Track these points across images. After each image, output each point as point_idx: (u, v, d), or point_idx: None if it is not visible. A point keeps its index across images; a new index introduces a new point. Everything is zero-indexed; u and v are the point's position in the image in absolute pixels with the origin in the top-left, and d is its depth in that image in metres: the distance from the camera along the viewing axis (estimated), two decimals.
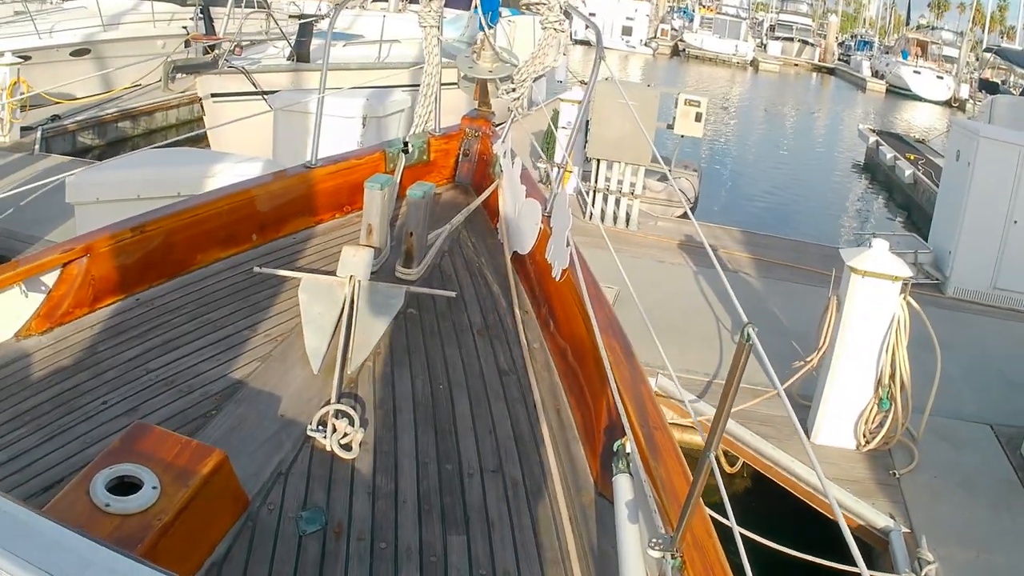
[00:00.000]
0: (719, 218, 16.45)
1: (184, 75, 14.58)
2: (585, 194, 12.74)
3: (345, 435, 3.59)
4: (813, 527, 6.28)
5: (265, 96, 13.56)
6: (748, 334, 2.25)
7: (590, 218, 12.36)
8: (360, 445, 3.59)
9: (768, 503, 7.37)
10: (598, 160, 12.48)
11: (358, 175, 5.55)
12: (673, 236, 12.45)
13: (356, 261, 4.40)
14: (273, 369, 4.01)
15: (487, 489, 3.50)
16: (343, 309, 4.29)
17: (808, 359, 7.48)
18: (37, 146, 14.26)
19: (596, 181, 12.55)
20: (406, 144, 5.89)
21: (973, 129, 11.53)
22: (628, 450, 3.27)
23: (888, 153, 22.59)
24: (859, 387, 7.04)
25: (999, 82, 36.62)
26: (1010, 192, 10.94)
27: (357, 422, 3.64)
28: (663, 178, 13.33)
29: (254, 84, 13.86)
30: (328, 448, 3.56)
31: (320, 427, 3.62)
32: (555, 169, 5.04)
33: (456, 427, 3.80)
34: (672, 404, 7.90)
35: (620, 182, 12.52)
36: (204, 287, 4.64)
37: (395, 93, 12.68)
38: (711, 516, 3.06)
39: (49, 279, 4.24)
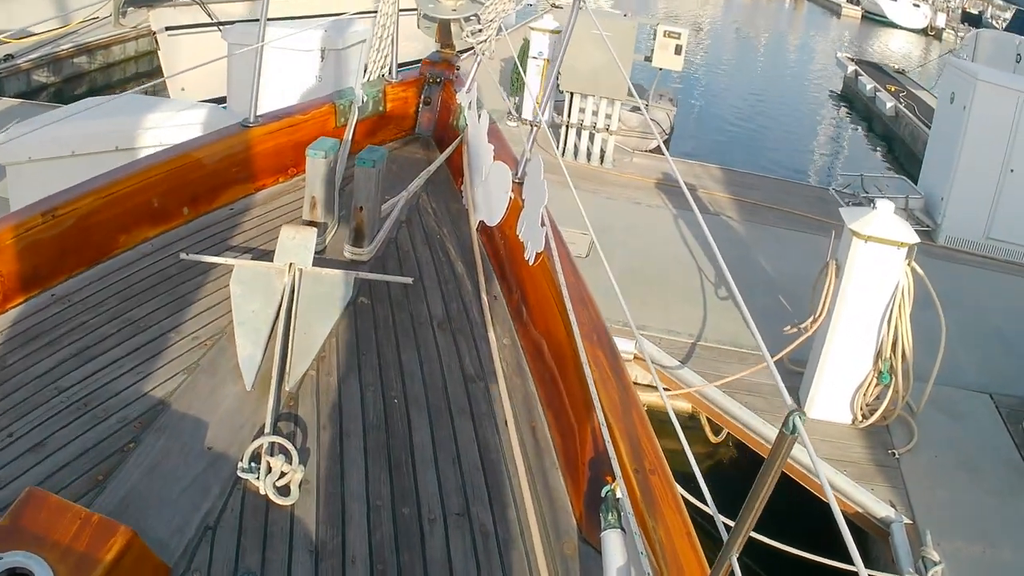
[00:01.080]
0: (695, 151, 15.83)
1: (135, 8, 13.57)
2: (557, 128, 12.03)
3: (282, 475, 2.94)
4: (805, 512, 5.75)
5: (221, 28, 12.64)
6: (793, 424, 1.74)
7: (562, 155, 11.71)
8: (300, 487, 2.96)
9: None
10: (571, 93, 11.73)
11: (304, 132, 4.85)
12: (650, 174, 11.79)
13: (296, 244, 3.73)
14: (200, 384, 3.35)
15: (451, 540, 2.88)
16: (281, 304, 3.64)
17: (801, 324, 6.88)
18: None
19: (569, 116, 11.80)
20: (361, 97, 5.18)
21: (971, 72, 10.86)
22: (619, 496, 2.68)
23: (868, 84, 21.90)
24: (857, 358, 6.47)
25: (978, 13, 35.87)
26: (1007, 139, 10.35)
27: (295, 458, 2.99)
28: (636, 108, 12.66)
29: (209, 15, 12.91)
30: (262, 491, 2.92)
31: (253, 464, 2.97)
32: (528, 127, 4.35)
33: (414, 457, 3.16)
34: (657, 369, 7.38)
35: (595, 116, 11.80)
36: (128, 276, 3.97)
37: (355, 23, 11.77)
38: (685, 497, 2.75)
39: None
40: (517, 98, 13.54)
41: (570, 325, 3.29)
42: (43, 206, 3.83)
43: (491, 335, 3.79)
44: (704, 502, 2.47)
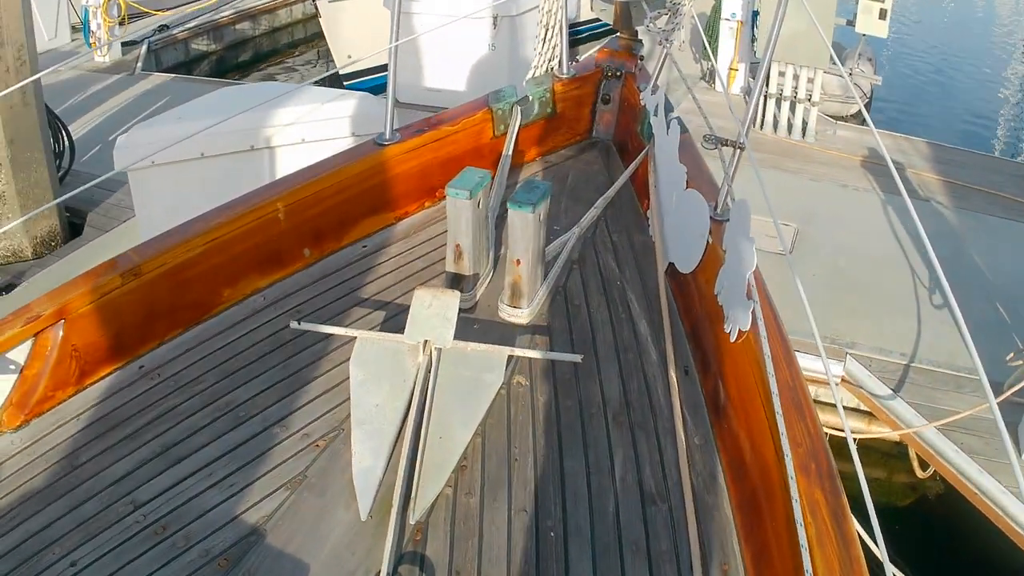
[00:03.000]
0: (897, 117, 14.41)
1: None
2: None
3: None
4: None
5: None
6: None
7: (761, 127, 10.73)
8: None
9: (962, 530, 6.05)
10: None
11: (455, 146, 4.14)
12: (855, 150, 10.64)
13: (433, 314, 3.02)
14: (305, 506, 2.75)
15: None
16: (412, 394, 2.93)
17: None
18: (140, 63, 13.09)
19: (767, 85, 10.70)
20: (526, 98, 4.39)
21: None
22: None
23: None
24: None
25: None
26: None
27: None
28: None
29: None
30: None
31: None
32: (731, 149, 3.46)
33: None
34: (864, 396, 6.48)
35: (795, 86, 10.67)
36: (232, 341, 3.42)
37: None
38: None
39: (19, 355, 3.11)
40: (709, 64, 12.45)
41: (780, 443, 2.53)
42: (123, 264, 3.30)
43: (679, 431, 3.02)
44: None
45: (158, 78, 12.66)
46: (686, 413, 3.09)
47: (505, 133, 4.33)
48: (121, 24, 13.16)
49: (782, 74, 10.72)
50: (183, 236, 3.46)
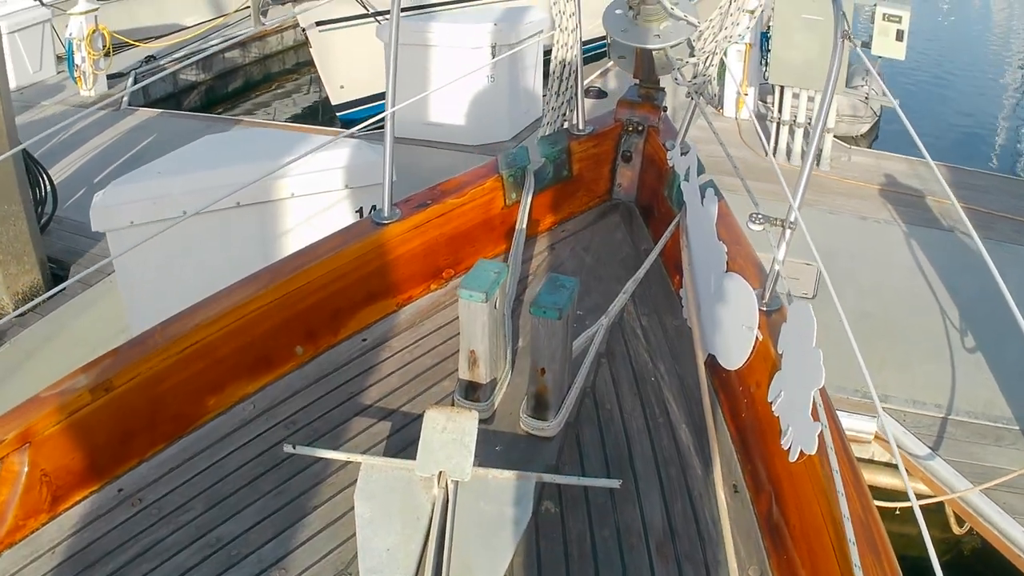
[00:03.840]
0: (906, 134, 13.89)
1: (278, 4, 12.60)
2: (763, 121, 10.71)
3: None
4: None
5: (378, 18, 11.60)
6: None
7: (774, 155, 10.36)
8: None
9: None
10: (780, 87, 10.24)
11: (462, 219, 3.72)
12: (872, 178, 10.26)
13: (448, 440, 2.59)
14: None
15: None
16: (428, 534, 2.52)
17: None
18: (126, 97, 12.63)
19: (780, 111, 10.34)
20: (539, 160, 3.97)
21: None
22: None
23: None
24: None
25: None
26: None
27: None
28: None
29: (364, 6, 11.82)
30: None
31: None
32: (779, 225, 3.02)
33: None
34: (900, 454, 6.12)
35: (809, 110, 10.26)
36: (219, 460, 3.00)
37: (530, 11, 10.53)
38: None
39: None
40: (716, 88, 12.08)
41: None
42: (92, 378, 2.88)
43: (731, 561, 2.56)
44: None
45: (145, 113, 12.23)
46: (738, 540, 2.67)
47: (517, 202, 3.89)
48: (107, 56, 12.71)
49: (796, 95, 10.34)
50: (158, 343, 3.03)
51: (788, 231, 3.00)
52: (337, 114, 12.66)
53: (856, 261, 8.14)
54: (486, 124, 10.03)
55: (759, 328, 2.98)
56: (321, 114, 14.52)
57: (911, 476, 6.22)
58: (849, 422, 5.94)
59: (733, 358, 3.09)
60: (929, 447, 6.07)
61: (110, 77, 13.02)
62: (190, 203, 5.29)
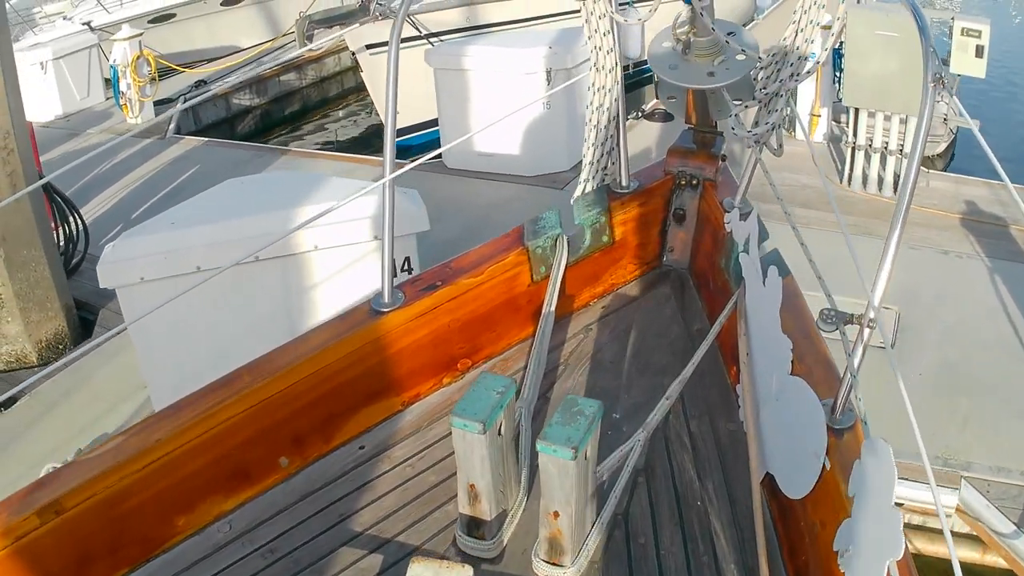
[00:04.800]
0: (983, 159, 12.95)
1: (324, 28, 12.10)
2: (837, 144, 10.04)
3: None
4: None
5: (431, 40, 11.10)
6: None
7: (849, 183, 9.68)
8: None
9: None
10: (855, 109, 9.54)
11: (479, 302, 3.16)
12: (952, 205, 9.45)
13: None
14: None
15: None
16: None
17: None
18: (172, 124, 12.33)
19: (855, 135, 9.61)
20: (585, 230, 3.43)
21: None
22: None
23: None
24: None
25: None
26: None
27: None
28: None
29: (417, 28, 11.33)
30: None
31: None
32: (855, 324, 2.42)
33: None
34: (981, 529, 5.51)
35: (886, 134, 9.51)
36: None
37: None
38: None
39: None
40: (784, 134, 11.40)
41: None
42: (39, 499, 2.48)
43: None
44: None
45: (190, 142, 11.87)
46: None
47: (547, 277, 3.33)
48: (152, 82, 12.39)
49: (871, 115, 9.61)
50: (114, 460, 2.57)
51: (867, 330, 2.41)
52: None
53: (938, 302, 7.45)
54: (543, 153, 9.46)
55: (827, 453, 2.39)
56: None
57: (992, 552, 5.61)
58: (927, 495, 5.29)
59: (796, 485, 2.51)
60: (1014, 523, 5.44)
61: (158, 103, 12.70)
62: (205, 257, 4.85)
